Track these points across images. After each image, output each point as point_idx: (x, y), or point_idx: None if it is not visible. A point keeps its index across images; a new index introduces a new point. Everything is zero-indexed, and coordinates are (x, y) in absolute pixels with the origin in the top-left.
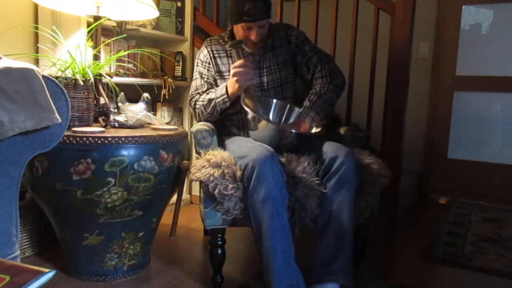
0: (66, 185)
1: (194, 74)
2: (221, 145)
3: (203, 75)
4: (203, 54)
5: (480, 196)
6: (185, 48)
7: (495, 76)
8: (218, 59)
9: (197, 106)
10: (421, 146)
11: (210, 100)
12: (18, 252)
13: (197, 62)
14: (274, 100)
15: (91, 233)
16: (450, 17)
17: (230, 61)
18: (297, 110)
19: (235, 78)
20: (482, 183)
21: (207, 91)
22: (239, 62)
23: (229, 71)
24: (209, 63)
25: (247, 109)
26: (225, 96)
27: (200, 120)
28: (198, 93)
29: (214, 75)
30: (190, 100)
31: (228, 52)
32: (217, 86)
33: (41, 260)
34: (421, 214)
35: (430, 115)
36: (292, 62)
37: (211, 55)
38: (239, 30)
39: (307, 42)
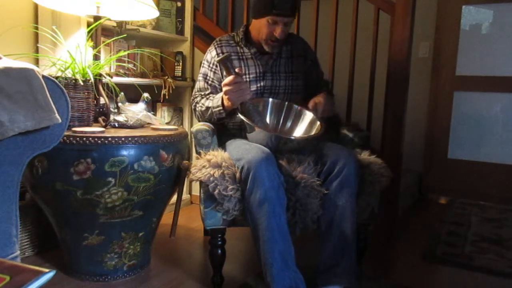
0: (66, 185)
1: (199, 75)
2: (222, 146)
3: (207, 78)
4: (210, 55)
5: (480, 196)
6: (185, 48)
7: (495, 76)
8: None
9: (198, 108)
10: (421, 146)
11: (207, 108)
12: (18, 252)
13: (204, 63)
14: (270, 100)
15: (91, 233)
16: (450, 17)
17: (242, 64)
18: (295, 107)
19: (227, 96)
20: (482, 183)
21: (209, 96)
22: (229, 79)
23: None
24: (216, 66)
25: (243, 117)
26: (221, 108)
27: (199, 121)
28: (201, 95)
29: (220, 78)
30: (192, 100)
31: (240, 54)
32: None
33: (41, 260)
34: (421, 214)
35: (430, 115)
36: (304, 75)
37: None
38: (262, 25)
39: (318, 63)
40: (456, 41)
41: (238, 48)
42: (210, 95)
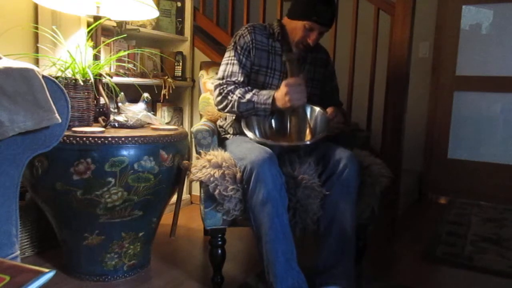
0: (66, 185)
1: (228, 58)
2: (222, 145)
3: (241, 62)
4: (244, 40)
5: (480, 196)
6: (185, 48)
7: (495, 76)
8: (258, 51)
9: (230, 98)
10: (421, 146)
11: (250, 101)
12: (18, 252)
13: (235, 47)
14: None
15: (91, 233)
16: (450, 17)
17: (270, 57)
18: (308, 107)
19: (288, 97)
20: (482, 183)
21: (247, 88)
22: (295, 80)
23: (267, 67)
24: (249, 52)
25: (247, 132)
26: (269, 106)
27: (222, 109)
28: (234, 81)
29: (250, 66)
30: (221, 85)
31: (270, 47)
32: (250, 79)
33: (41, 260)
34: (421, 214)
35: (430, 115)
36: (321, 84)
37: (253, 44)
38: (297, 27)
39: (335, 76)
40: (456, 41)
41: (270, 40)
42: (251, 88)
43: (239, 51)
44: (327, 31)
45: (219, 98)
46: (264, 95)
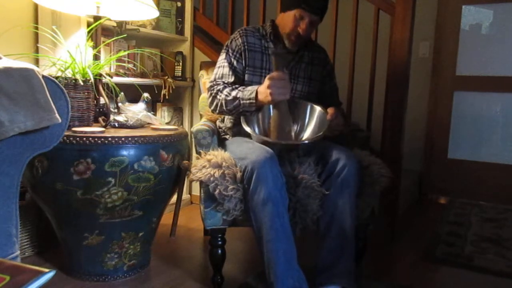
0: (66, 185)
1: (220, 61)
2: (222, 145)
3: (231, 65)
4: (235, 43)
5: (480, 196)
6: (185, 48)
7: (495, 76)
8: (251, 53)
9: (218, 97)
10: (421, 146)
11: (235, 98)
12: (18, 252)
13: (227, 50)
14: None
15: (91, 233)
16: (450, 17)
17: (264, 58)
18: (308, 105)
19: (269, 90)
20: (482, 183)
21: (234, 87)
22: (278, 74)
23: (261, 67)
24: (240, 54)
25: (247, 128)
26: (253, 101)
27: (214, 110)
28: (224, 82)
29: (242, 68)
30: (212, 86)
31: (263, 48)
32: (244, 79)
33: (41, 260)
34: (421, 214)
35: (430, 115)
36: (319, 84)
37: (245, 47)
38: (288, 19)
39: (334, 75)
40: (456, 41)
41: (263, 41)
42: (239, 86)
43: (230, 54)
44: (319, 22)
45: (210, 99)
46: (248, 91)
